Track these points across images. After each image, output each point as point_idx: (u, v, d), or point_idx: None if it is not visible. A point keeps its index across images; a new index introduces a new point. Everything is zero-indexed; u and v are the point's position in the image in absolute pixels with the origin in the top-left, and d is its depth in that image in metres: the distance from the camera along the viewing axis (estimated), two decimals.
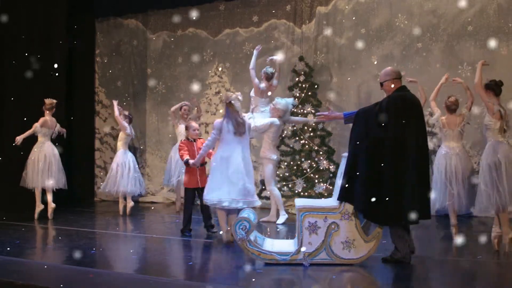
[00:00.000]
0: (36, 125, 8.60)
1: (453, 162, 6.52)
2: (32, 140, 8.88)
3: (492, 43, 8.47)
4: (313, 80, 9.62)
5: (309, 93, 9.51)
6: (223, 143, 6.25)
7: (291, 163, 9.43)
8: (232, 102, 6.29)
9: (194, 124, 7.21)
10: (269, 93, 8.30)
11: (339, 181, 5.44)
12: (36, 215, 8.52)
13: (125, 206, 9.06)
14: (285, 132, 9.48)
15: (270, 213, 8.10)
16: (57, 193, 8.77)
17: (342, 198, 5.20)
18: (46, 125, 8.68)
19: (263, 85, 8.29)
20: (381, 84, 5.38)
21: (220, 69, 10.68)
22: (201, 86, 10.78)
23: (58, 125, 8.84)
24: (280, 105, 7.89)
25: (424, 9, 9.12)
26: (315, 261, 5.21)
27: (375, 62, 9.34)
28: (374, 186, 5.01)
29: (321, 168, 9.16)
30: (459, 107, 6.80)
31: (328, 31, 9.77)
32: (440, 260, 5.66)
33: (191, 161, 6.72)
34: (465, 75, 8.62)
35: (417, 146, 5.07)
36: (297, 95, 9.53)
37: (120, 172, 8.98)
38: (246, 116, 7.42)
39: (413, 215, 4.95)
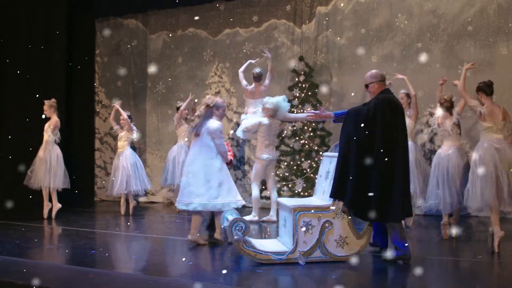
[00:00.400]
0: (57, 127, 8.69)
1: (442, 161, 6.57)
2: (32, 140, 8.89)
3: (492, 43, 8.49)
4: (313, 80, 9.62)
5: (309, 93, 9.51)
6: None
7: (291, 163, 9.44)
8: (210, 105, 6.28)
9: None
10: (262, 93, 8.26)
11: (321, 180, 5.70)
12: (45, 215, 8.57)
13: (128, 206, 9.10)
14: (285, 132, 9.48)
15: (270, 213, 8.10)
16: (57, 193, 8.76)
17: (334, 196, 5.33)
18: (58, 126, 8.76)
19: (251, 86, 8.31)
20: (367, 86, 5.55)
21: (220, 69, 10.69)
22: (201, 86, 10.79)
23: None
24: (269, 104, 7.85)
25: (424, 9, 9.12)
26: (309, 260, 5.30)
27: (375, 62, 9.34)
28: (365, 184, 5.17)
29: None
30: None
31: (328, 31, 9.77)
32: (440, 260, 5.66)
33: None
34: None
35: (403, 146, 5.30)
36: (297, 95, 9.53)
37: (133, 171, 9.07)
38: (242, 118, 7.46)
39: (403, 212, 5.20)
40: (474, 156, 5.94)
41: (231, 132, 10.26)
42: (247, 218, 7.75)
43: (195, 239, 6.26)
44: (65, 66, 10.75)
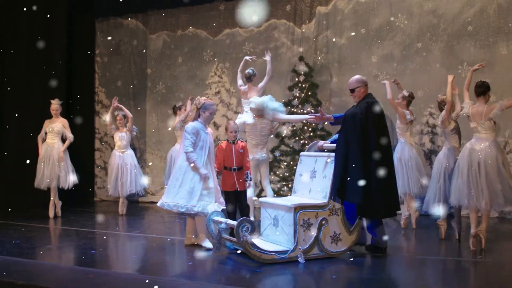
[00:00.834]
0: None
1: (437, 161, 6.69)
2: (32, 140, 8.89)
3: (492, 43, 8.49)
4: (313, 80, 9.62)
5: (309, 93, 9.51)
6: None
7: (291, 163, 9.43)
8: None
9: (232, 125, 6.77)
10: (255, 94, 8.21)
11: (304, 179, 5.90)
12: (51, 214, 8.68)
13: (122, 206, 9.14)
14: (285, 132, 9.48)
15: None
16: (58, 192, 8.79)
17: (341, 197, 5.53)
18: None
19: (244, 86, 8.28)
20: (353, 91, 5.85)
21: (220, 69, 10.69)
22: (201, 86, 10.79)
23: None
24: (252, 103, 7.81)
25: (424, 9, 9.12)
26: (307, 257, 5.38)
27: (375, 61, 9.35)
28: (367, 184, 5.42)
29: None
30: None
31: (328, 31, 9.77)
32: (440, 260, 5.66)
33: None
34: (464, 75, 8.58)
35: (389, 146, 5.67)
36: (297, 95, 9.54)
37: (134, 171, 9.14)
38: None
39: (396, 208, 5.65)
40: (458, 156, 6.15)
41: None
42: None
43: (191, 242, 6.24)
44: (65, 66, 10.75)
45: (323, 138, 9.33)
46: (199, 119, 6.16)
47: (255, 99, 7.80)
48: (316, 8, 9.91)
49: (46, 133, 8.80)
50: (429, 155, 8.91)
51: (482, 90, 6.04)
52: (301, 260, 5.32)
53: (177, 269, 5.49)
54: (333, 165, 5.57)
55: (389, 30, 9.33)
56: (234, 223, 5.70)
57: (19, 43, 9.91)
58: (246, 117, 7.94)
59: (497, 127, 6.14)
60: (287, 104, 9.65)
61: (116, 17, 11.72)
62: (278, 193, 9.20)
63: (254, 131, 7.82)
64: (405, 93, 7.59)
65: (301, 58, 9.75)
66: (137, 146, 11.35)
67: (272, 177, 9.57)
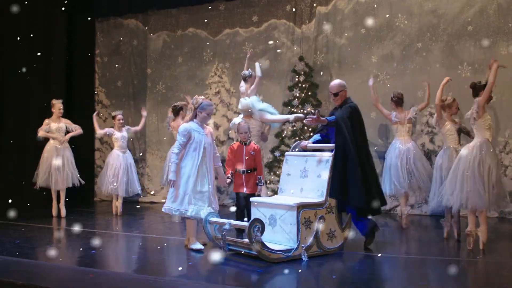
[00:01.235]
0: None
1: (435, 162, 6.83)
2: (32, 140, 8.88)
3: (492, 43, 8.49)
4: (313, 80, 9.62)
5: (309, 93, 9.51)
6: None
7: None
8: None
9: (242, 126, 6.71)
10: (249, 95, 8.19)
11: (294, 179, 6.03)
12: (54, 213, 8.77)
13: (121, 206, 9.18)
14: (285, 132, 9.48)
15: None
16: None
17: (343, 201, 5.81)
18: None
19: (243, 88, 8.28)
20: (336, 94, 6.13)
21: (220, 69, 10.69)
22: (201, 86, 10.79)
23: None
24: (240, 104, 7.82)
25: (424, 9, 9.11)
26: (308, 254, 5.46)
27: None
28: (365, 184, 5.79)
29: None
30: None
31: (328, 31, 9.77)
32: (440, 260, 5.66)
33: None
34: (465, 75, 8.63)
35: (367, 145, 6.11)
36: (297, 95, 9.53)
37: (134, 171, 9.23)
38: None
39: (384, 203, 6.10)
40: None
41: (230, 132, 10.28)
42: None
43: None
44: (65, 66, 10.74)
45: None
46: (194, 120, 6.02)
47: (242, 100, 7.84)
48: (316, 8, 9.91)
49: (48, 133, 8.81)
50: (429, 155, 8.91)
51: (475, 92, 6.09)
52: (304, 258, 5.40)
53: (177, 269, 5.49)
54: (328, 164, 5.72)
55: (389, 30, 9.33)
56: (237, 223, 5.71)
57: (19, 43, 9.90)
58: (239, 117, 7.97)
59: (492, 127, 6.13)
60: (287, 104, 9.67)
61: (116, 17, 11.71)
62: (278, 193, 9.18)
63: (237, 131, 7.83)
64: (392, 94, 7.82)
65: (301, 58, 9.75)
66: (137, 146, 11.35)
67: (272, 177, 9.57)
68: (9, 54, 9.80)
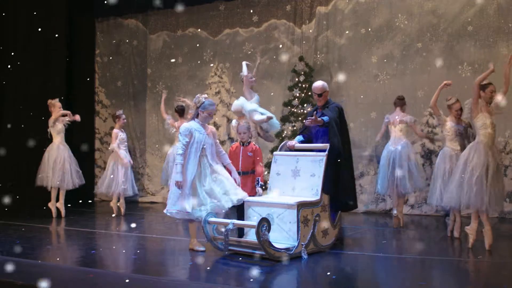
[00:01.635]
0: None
1: (446, 162, 6.76)
2: (32, 140, 8.89)
3: (492, 43, 8.50)
4: (313, 80, 9.61)
5: (309, 93, 9.50)
6: None
7: None
8: None
9: (240, 126, 6.56)
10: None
11: (284, 178, 6.12)
12: (54, 214, 8.69)
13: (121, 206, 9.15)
14: (285, 132, 9.48)
15: None
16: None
17: (332, 192, 6.03)
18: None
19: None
20: (320, 95, 6.37)
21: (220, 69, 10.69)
22: (201, 86, 10.79)
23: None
24: (232, 106, 7.90)
25: (424, 9, 9.11)
26: (307, 252, 5.55)
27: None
28: (352, 181, 6.38)
29: None
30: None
31: (328, 31, 9.77)
32: (440, 260, 5.66)
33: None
34: (465, 75, 8.63)
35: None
36: (297, 95, 9.53)
37: (124, 173, 9.11)
38: None
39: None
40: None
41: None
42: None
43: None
44: (65, 66, 10.74)
45: None
46: (196, 119, 5.94)
47: (235, 102, 7.85)
48: (316, 8, 9.90)
49: (51, 133, 8.80)
50: (429, 155, 8.92)
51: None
52: (304, 255, 5.49)
53: (177, 269, 5.49)
54: (322, 163, 5.85)
55: (389, 30, 9.33)
56: (242, 222, 5.70)
57: (19, 43, 9.92)
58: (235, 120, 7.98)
59: (492, 127, 6.12)
60: (287, 104, 9.67)
61: (116, 17, 11.71)
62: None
63: (236, 131, 7.84)
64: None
65: (301, 58, 9.75)
66: (137, 146, 11.35)
67: None
68: (9, 54, 9.80)
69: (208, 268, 5.36)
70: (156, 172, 11.08)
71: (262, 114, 7.57)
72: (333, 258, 5.68)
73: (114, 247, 6.56)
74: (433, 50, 9.01)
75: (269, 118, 7.51)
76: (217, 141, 6.13)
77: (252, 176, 6.38)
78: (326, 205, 5.92)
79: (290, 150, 6.32)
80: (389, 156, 7.58)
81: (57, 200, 8.76)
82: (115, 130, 9.06)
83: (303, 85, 9.55)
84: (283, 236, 5.60)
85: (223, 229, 5.63)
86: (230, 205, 5.81)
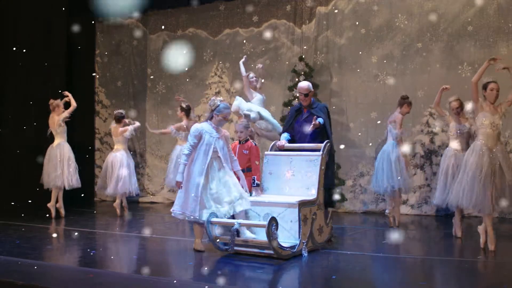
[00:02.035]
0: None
1: (445, 162, 6.85)
2: (31, 140, 8.88)
3: (492, 43, 8.50)
4: (313, 80, 9.61)
5: None
6: None
7: None
8: None
9: (237, 125, 6.63)
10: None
11: (280, 177, 6.16)
12: (53, 214, 8.64)
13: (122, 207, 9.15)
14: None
15: None
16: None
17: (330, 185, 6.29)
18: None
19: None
20: (307, 95, 6.50)
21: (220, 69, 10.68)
22: (201, 86, 10.78)
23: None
24: (231, 107, 7.90)
25: (424, 9, 9.11)
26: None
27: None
28: (333, 179, 6.56)
29: None
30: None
31: (328, 31, 9.76)
32: (439, 260, 5.66)
33: None
34: (465, 75, 8.63)
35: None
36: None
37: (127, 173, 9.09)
38: None
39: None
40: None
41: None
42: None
43: (200, 247, 6.01)
44: (65, 66, 10.74)
45: None
46: (209, 121, 5.88)
47: (234, 102, 7.86)
48: (316, 8, 9.90)
49: (51, 133, 8.79)
50: (429, 155, 8.92)
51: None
52: (305, 253, 5.56)
53: (177, 269, 5.49)
54: (317, 163, 5.95)
55: (389, 30, 9.33)
56: (248, 222, 5.71)
57: (19, 43, 9.91)
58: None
59: (492, 127, 6.12)
60: (287, 104, 9.66)
61: (116, 17, 11.70)
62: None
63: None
64: None
65: (301, 58, 9.75)
66: (137, 146, 11.35)
67: None
68: (9, 54, 9.80)
69: (209, 268, 5.36)
70: (156, 172, 11.08)
71: (250, 111, 7.58)
72: (333, 258, 5.69)
73: (114, 247, 6.57)
74: (433, 50, 9.01)
75: (246, 115, 7.50)
76: (230, 146, 6.05)
77: (248, 174, 6.38)
78: (322, 203, 6.03)
79: (281, 150, 6.37)
80: (382, 156, 7.63)
81: (56, 201, 8.75)
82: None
83: None
84: (284, 235, 5.62)
85: (219, 230, 5.73)
86: (231, 214, 5.78)
